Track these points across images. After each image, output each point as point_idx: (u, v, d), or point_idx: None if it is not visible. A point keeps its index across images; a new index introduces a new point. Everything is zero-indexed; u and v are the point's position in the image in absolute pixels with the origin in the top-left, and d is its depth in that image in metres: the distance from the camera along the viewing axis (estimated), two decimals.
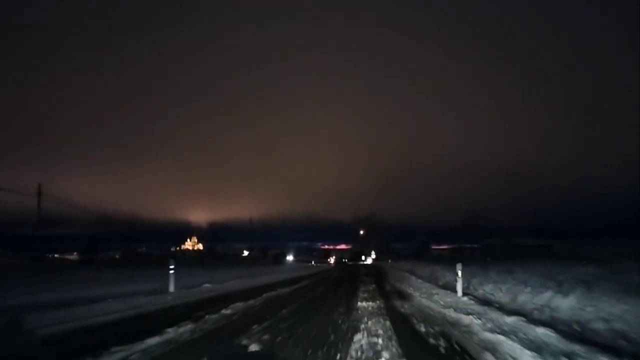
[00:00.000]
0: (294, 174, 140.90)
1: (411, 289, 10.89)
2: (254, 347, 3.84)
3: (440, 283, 12.05)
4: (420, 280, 14.33)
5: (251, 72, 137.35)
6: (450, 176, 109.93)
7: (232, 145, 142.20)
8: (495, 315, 5.54)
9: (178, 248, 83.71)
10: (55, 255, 59.93)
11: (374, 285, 12.57)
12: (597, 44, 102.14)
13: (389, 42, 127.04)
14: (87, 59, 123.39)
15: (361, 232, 79.67)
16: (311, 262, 64.70)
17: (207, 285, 12.02)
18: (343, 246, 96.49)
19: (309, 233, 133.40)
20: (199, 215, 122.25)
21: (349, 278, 18.09)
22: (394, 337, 4.32)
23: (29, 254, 39.76)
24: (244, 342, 4.07)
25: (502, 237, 41.52)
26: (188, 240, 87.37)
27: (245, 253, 77.27)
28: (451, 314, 5.96)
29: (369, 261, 71.75)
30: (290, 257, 73.64)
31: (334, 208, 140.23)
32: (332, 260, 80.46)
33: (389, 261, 51.75)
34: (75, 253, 65.27)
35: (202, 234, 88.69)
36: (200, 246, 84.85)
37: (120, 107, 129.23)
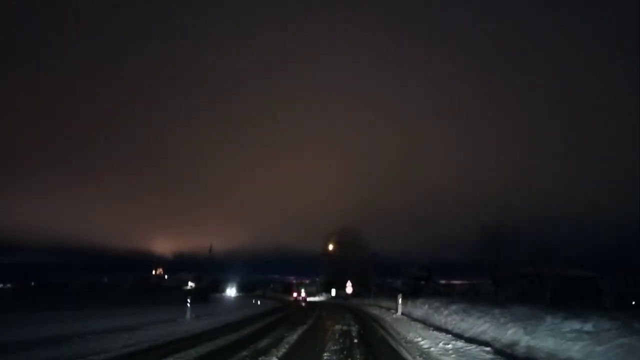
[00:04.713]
0: (269, 205, 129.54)
1: None
2: None
3: None
4: None
5: (218, 99, 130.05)
6: (448, 203, 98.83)
7: (204, 177, 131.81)
8: None
9: (141, 280, 75.72)
10: None
11: None
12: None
13: (372, 64, 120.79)
14: (46, 80, 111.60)
15: (330, 247, 47.16)
16: (254, 301, 35.42)
17: None
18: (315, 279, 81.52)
19: (280, 266, 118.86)
20: (165, 245, 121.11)
21: None
22: None
23: None
24: None
25: (528, 267, 29.35)
26: (154, 271, 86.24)
27: (190, 285, 61.51)
28: None
29: (332, 294, 48.24)
30: (231, 291, 56.20)
31: (310, 241, 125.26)
32: (301, 295, 64.11)
33: (399, 302, 18.95)
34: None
35: (167, 264, 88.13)
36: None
37: (85, 133, 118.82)
